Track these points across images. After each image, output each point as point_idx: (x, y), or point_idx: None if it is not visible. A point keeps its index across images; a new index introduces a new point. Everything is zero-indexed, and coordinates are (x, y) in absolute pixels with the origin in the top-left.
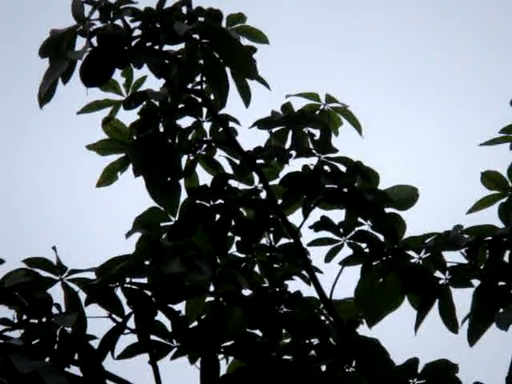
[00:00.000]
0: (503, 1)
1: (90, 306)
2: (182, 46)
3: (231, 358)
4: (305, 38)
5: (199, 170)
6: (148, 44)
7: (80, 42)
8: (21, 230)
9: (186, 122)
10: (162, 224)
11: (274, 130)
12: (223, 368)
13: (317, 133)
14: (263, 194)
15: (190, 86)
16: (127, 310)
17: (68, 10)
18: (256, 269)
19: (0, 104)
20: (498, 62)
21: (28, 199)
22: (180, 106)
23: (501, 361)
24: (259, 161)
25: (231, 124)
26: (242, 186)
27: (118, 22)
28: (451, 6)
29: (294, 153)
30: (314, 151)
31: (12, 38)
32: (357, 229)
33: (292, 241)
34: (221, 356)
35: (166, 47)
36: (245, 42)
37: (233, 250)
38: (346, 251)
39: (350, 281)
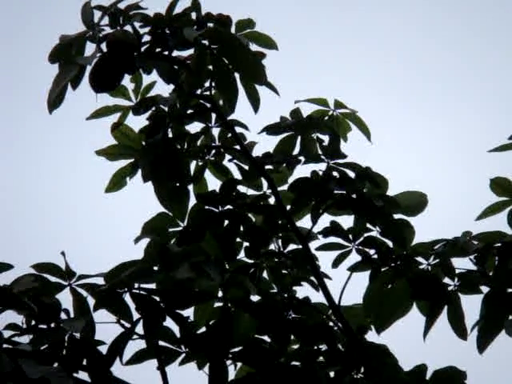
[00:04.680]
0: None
1: (99, 311)
2: (191, 51)
3: (239, 364)
4: (313, 44)
5: (208, 175)
6: (157, 50)
7: (89, 48)
8: (30, 235)
9: (194, 127)
10: (170, 229)
11: (282, 136)
12: (231, 374)
13: (325, 138)
14: (272, 200)
15: (199, 91)
16: (136, 315)
17: (76, 15)
18: (264, 274)
19: (7, 111)
20: (510, 67)
21: (37, 205)
22: (189, 111)
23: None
24: (268, 166)
25: (240, 130)
26: (250, 192)
27: (128, 27)
28: (456, 9)
29: (302, 158)
30: (322, 157)
31: (20, 42)
32: (365, 235)
33: (300, 247)
34: (229, 362)
35: (176, 53)
36: (254, 47)
37: (241, 255)
38: (355, 257)
39: (359, 287)
